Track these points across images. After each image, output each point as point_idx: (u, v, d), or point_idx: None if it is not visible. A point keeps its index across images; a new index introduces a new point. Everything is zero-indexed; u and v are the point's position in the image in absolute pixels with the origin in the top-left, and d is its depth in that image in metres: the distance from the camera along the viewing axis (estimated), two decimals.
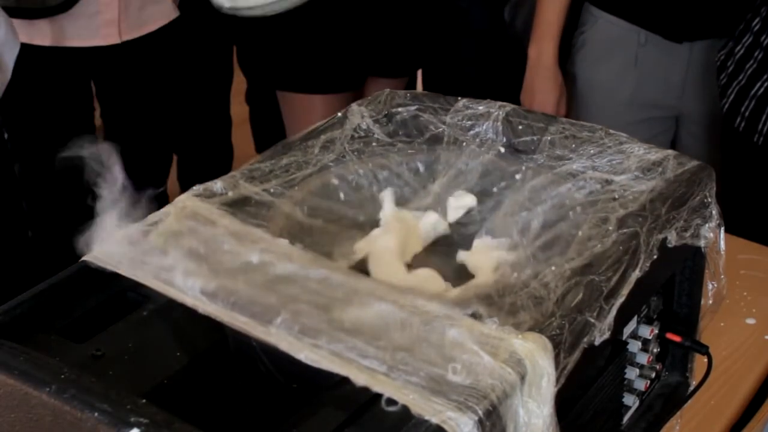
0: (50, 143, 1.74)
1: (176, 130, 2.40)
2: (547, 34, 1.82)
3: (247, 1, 0.88)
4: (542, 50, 1.82)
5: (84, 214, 0.80)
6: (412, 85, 2.27)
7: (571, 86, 1.92)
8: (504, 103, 1.00)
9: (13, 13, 1.58)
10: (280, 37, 1.91)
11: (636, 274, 0.80)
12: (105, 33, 1.69)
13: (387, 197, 0.93)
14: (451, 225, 0.93)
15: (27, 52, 1.63)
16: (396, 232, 0.90)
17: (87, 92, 1.95)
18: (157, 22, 1.78)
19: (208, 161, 2.48)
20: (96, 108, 2.04)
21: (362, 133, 1.00)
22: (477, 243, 0.90)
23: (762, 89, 1.49)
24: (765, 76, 1.50)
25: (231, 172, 0.92)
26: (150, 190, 0.82)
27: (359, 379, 0.65)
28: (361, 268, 0.85)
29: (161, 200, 0.85)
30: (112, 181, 0.81)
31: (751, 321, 1.20)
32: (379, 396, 0.64)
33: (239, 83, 2.43)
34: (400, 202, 0.95)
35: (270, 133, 2.31)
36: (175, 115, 2.30)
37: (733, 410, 1.07)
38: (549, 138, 0.96)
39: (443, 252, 0.92)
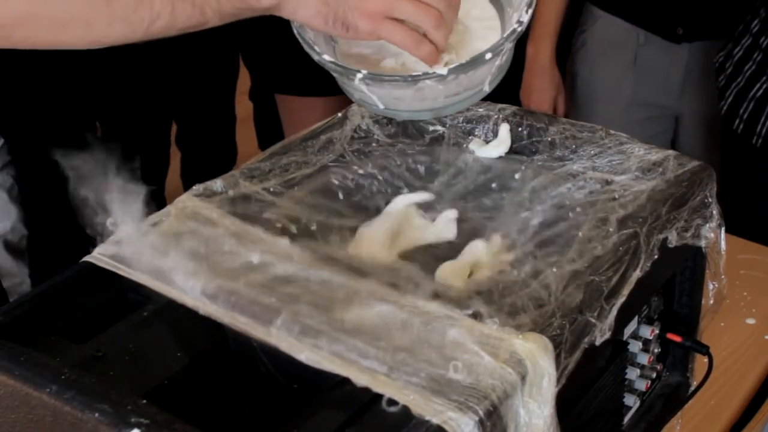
0: (49, 142, 1.73)
1: (180, 127, 2.41)
2: (544, 32, 1.82)
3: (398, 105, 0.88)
4: (539, 48, 1.83)
5: (81, 215, 0.80)
6: None
7: (571, 85, 1.92)
8: (504, 105, 1.00)
9: None
10: (278, 41, 1.91)
11: (636, 274, 0.80)
12: None
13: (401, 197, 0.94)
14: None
15: (26, 50, 1.62)
16: (390, 221, 0.90)
17: (87, 90, 1.95)
18: None
19: (211, 158, 2.48)
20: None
21: (362, 134, 1.00)
22: (477, 243, 0.90)
23: (761, 91, 1.49)
24: (764, 78, 1.49)
25: (232, 170, 0.92)
26: (148, 190, 0.82)
27: (360, 379, 0.65)
28: (358, 265, 0.85)
29: (159, 200, 0.85)
30: (111, 181, 0.81)
31: (751, 321, 1.20)
32: (379, 396, 0.64)
33: (243, 81, 2.42)
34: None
35: (274, 131, 2.31)
36: (179, 112, 2.30)
37: (733, 410, 1.07)
38: (549, 139, 0.96)
39: (443, 251, 0.91)
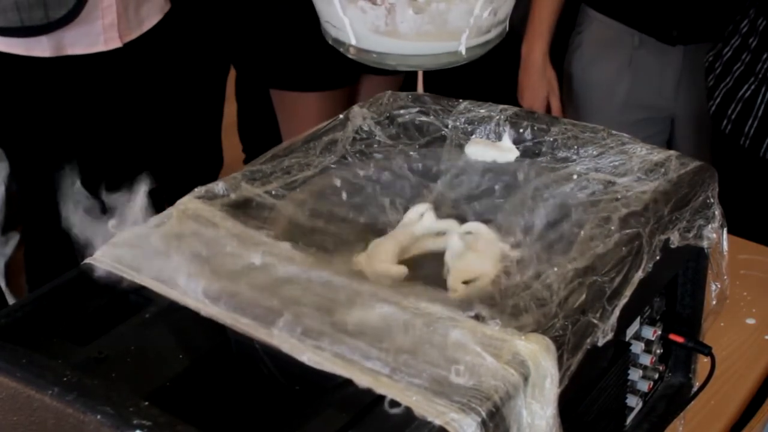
0: (50, 153, 1.73)
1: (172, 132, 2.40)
2: (537, 31, 1.83)
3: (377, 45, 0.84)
4: (532, 47, 1.84)
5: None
6: (412, 86, 2.26)
7: (568, 86, 1.93)
8: (505, 106, 1.00)
9: (17, 32, 1.56)
10: (273, 35, 1.90)
11: (639, 275, 0.80)
12: (106, 38, 1.68)
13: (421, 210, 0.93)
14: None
15: (26, 65, 1.62)
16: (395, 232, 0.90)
17: (86, 101, 1.94)
18: (152, 19, 1.78)
19: (195, 165, 2.45)
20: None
21: (364, 135, 1.00)
22: (478, 243, 0.90)
23: (749, 92, 1.49)
24: (752, 79, 1.49)
25: (230, 174, 0.92)
26: (147, 192, 0.82)
27: (362, 381, 0.65)
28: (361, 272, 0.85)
29: (158, 201, 0.85)
30: (111, 184, 0.81)
31: (751, 321, 1.21)
32: (382, 398, 0.64)
33: (229, 84, 2.41)
34: (402, 202, 0.95)
35: (258, 131, 2.27)
36: (171, 117, 2.29)
37: (733, 410, 1.07)
38: (551, 139, 0.96)
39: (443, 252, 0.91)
